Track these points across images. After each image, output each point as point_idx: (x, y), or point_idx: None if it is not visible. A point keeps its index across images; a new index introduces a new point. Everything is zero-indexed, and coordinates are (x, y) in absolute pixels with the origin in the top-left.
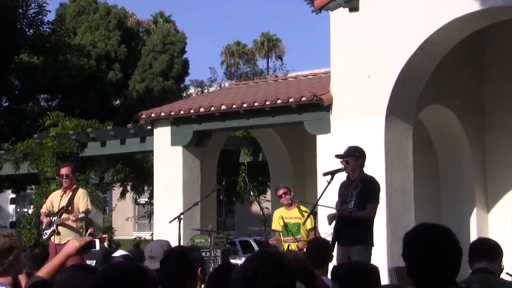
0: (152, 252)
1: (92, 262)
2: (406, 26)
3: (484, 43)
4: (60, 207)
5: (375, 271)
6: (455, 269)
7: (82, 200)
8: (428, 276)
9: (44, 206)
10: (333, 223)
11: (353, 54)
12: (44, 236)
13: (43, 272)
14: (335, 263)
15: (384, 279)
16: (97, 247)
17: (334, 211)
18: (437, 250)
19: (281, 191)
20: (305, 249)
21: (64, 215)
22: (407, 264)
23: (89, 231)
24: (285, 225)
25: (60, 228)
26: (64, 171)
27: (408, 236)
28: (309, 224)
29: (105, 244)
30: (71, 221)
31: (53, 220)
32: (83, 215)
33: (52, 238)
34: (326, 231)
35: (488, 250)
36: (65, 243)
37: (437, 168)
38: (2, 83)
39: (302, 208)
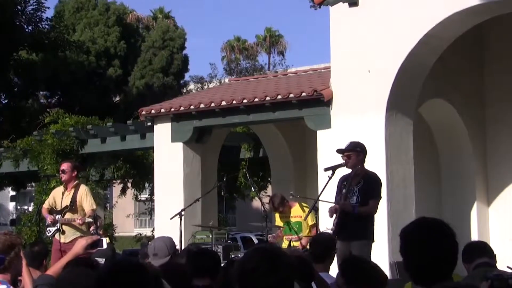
0: (156, 249)
1: (102, 261)
2: (406, 21)
3: (483, 36)
4: (63, 205)
5: (386, 280)
6: (451, 263)
7: (85, 199)
8: (424, 270)
9: (46, 202)
10: (334, 216)
11: (353, 49)
12: (48, 233)
13: (52, 271)
14: (336, 258)
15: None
16: (105, 245)
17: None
18: (432, 245)
19: (280, 209)
20: (308, 245)
21: (68, 214)
22: (404, 258)
23: (91, 228)
24: (287, 223)
25: (65, 227)
26: (62, 166)
27: (404, 231)
28: (310, 221)
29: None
30: (77, 224)
31: (57, 218)
32: (90, 219)
33: (56, 235)
34: (327, 225)
35: (486, 248)
36: (70, 241)
37: (438, 162)
38: (2, 80)
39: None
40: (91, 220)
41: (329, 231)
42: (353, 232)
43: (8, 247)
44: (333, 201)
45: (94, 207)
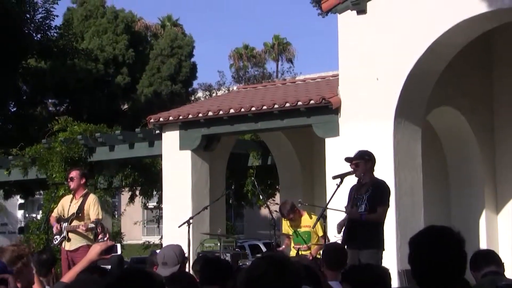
0: (165, 258)
1: (108, 267)
2: (414, 28)
3: (492, 43)
4: (71, 213)
5: (387, 274)
6: (459, 272)
7: (92, 208)
8: (430, 278)
9: (55, 210)
10: (342, 230)
11: (362, 57)
12: (55, 241)
13: (67, 278)
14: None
15: (394, 282)
16: (119, 251)
17: (343, 218)
18: (438, 253)
19: (291, 216)
20: (318, 254)
21: (75, 222)
22: (411, 267)
23: (99, 236)
24: (296, 232)
25: (71, 235)
26: (71, 174)
27: (412, 240)
28: (320, 231)
29: None
30: (81, 230)
31: (63, 226)
32: (93, 225)
33: (62, 244)
34: (335, 234)
35: (494, 256)
36: (75, 249)
37: (446, 170)
38: (10, 88)
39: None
40: (94, 226)
41: (338, 240)
42: (363, 241)
43: (15, 258)
44: (343, 210)
45: (100, 216)
